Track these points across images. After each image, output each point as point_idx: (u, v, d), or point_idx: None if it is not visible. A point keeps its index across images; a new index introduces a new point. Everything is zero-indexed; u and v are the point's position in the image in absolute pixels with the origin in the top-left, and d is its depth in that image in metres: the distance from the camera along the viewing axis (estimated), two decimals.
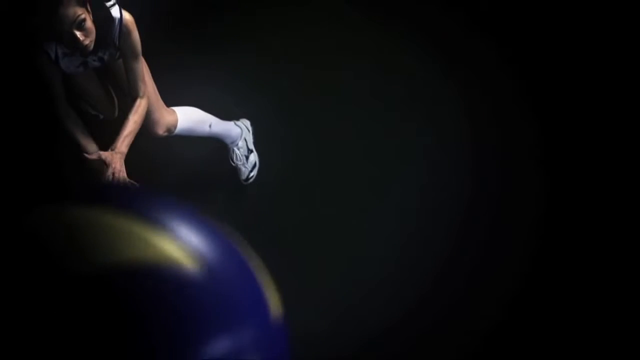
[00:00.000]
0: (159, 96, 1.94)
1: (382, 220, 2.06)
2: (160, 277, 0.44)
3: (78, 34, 1.66)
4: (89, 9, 1.70)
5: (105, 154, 1.77)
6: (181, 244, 0.46)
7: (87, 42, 1.69)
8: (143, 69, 1.85)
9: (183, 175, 2.14)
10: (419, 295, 1.91)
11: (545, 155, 2.09)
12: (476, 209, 2.06)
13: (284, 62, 2.24)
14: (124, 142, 1.78)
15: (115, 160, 1.76)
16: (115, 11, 1.78)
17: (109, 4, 1.79)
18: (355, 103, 2.21)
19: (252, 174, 2.16)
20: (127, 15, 1.80)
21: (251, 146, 2.17)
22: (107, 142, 1.80)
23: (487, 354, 1.86)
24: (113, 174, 1.75)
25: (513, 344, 1.87)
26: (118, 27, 1.78)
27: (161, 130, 1.94)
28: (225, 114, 2.09)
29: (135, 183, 1.68)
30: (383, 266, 1.98)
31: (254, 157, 2.17)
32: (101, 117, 2.14)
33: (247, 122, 2.17)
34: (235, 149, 2.13)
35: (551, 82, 2.11)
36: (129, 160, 1.81)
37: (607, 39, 2.10)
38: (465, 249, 2.01)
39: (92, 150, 1.81)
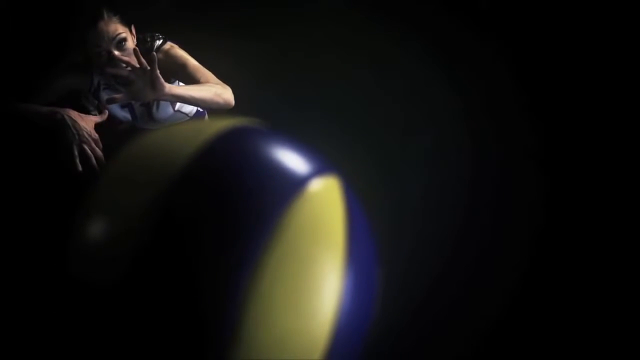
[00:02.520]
0: None
1: (381, 220, 2.05)
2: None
3: (117, 54, 1.54)
4: (133, 32, 1.60)
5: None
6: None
7: None
8: (199, 72, 1.63)
9: None
10: (418, 296, 1.90)
11: (545, 155, 2.09)
12: (476, 209, 2.06)
13: (281, 62, 2.24)
14: (177, 88, 1.47)
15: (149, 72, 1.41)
16: (154, 44, 1.66)
17: (148, 39, 1.67)
18: (354, 102, 2.21)
19: None
20: (166, 46, 1.66)
21: None
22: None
23: (487, 354, 1.86)
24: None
25: (513, 344, 1.87)
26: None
27: None
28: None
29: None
30: (382, 266, 1.97)
31: None
32: None
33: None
34: None
35: (552, 82, 2.11)
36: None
37: (608, 39, 2.10)
38: (465, 249, 2.01)
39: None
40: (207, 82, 1.58)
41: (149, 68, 1.40)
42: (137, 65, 1.42)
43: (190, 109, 1.78)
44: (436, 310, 1.91)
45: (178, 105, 1.73)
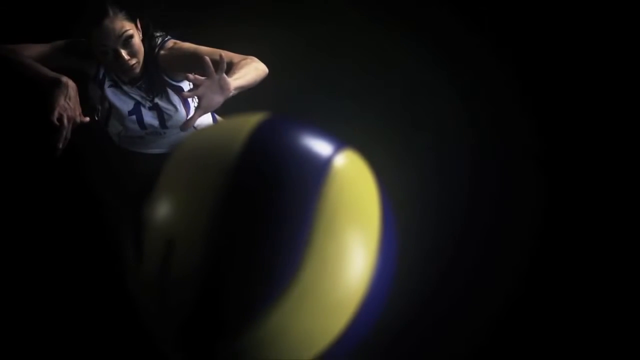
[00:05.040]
0: None
1: None
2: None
3: (123, 52, 1.48)
4: (138, 27, 1.53)
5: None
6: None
7: (133, 62, 1.51)
8: (216, 53, 1.49)
9: None
10: (418, 296, 1.90)
11: (545, 155, 2.09)
12: (476, 209, 2.06)
13: (282, 60, 2.23)
14: (234, 80, 1.37)
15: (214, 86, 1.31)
16: (158, 42, 1.58)
17: (158, 34, 1.59)
18: (354, 102, 2.20)
19: None
20: (169, 43, 1.58)
21: None
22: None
23: (487, 355, 1.86)
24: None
25: (513, 344, 1.87)
26: (156, 56, 1.56)
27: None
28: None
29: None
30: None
31: None
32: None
33: None
34: None
35: (551, 82, 2.11)
36: None
37: (607, 39, 2.10)
38: (465, 249, 2.01)
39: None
40: (230, 60, 1.49)
41: (217, 76, 1.31)
42: (202, 78, 1.31)
43: (202, 122, 1.72)
44: (436, 311, 1.91)
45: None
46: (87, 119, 1.49)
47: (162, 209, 0.61)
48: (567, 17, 2.11)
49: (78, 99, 1.47)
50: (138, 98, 1.63)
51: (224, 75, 1.32)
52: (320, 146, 0.65)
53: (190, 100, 1.66)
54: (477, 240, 2.02)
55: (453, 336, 1.89)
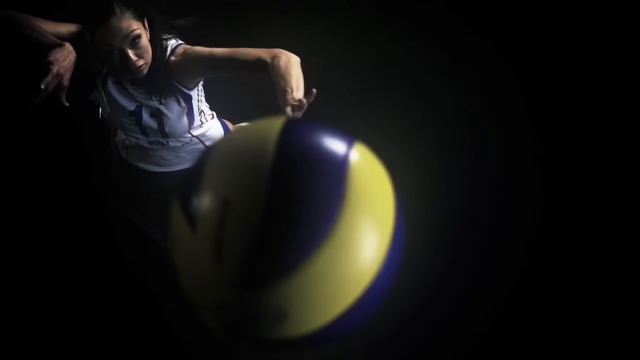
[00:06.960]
0: None
1: None
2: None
3: (130, 52, 1.42)
4: (146, 26, 1.46)
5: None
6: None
7: (140, 63, 1.44)
8: (236, 53, 1.47)
9: None
10: (418, 297, 1.90)
11: (545, 155, 2.09)
12: (476, 209, 2.06)
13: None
14: (296, 92, 1.30)
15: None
16: (169, 44, 1.52)
17: (165, 37, 1.52)
18: (354, 102, 2.21)
19: None
20: (180, 49, 1.52)
21: None
22: None
23: (487, 354, 1.86)
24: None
25: (513, 344, 1.87)
26: (166, 62, 1.50)
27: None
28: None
29: None
30: None
31: None
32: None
33: None
34: None
35: (551, 82, 2.12)
36: None
37: (607, 39, 2.10)
38: (466, 249, 2.01)
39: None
40: (259, 57, 1.44)
41: (305, 103, 1.27)
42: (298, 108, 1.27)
43: (214, 133, 1.73)
44: (436, 311, 1.91)
45: (197, 132, 1.67)
46: (67, 104, 1.42)
47: (218, 179, 0.72)
48: (567, 17, 2.11)
49: (72, 69, 1.40)
50: (141, 100, 1.59)
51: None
52: (337, 141, 0.76)
53: (195, 110, 1.64)
54: (478, 240, 2.02)
55: (453, 338, 1.89)
